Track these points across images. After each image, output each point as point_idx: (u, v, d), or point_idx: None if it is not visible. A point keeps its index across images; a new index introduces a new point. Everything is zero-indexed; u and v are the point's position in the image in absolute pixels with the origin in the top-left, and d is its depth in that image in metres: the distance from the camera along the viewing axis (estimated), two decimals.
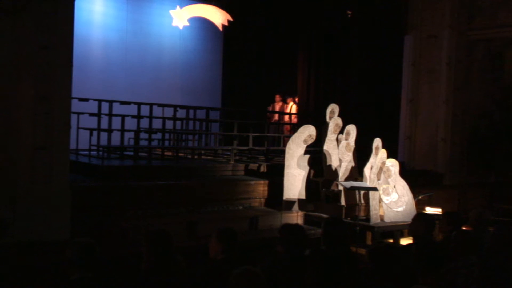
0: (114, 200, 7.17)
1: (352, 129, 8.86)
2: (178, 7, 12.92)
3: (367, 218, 7.97)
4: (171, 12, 12.91)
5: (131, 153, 9.77)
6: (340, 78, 13.58)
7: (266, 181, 8.74)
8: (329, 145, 8.90)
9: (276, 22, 13.94)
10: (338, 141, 8.85)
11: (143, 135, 10.43)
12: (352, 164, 8.73)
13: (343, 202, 8.25)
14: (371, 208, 7.84)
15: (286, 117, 13.70)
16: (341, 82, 13.52)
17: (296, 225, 4.45)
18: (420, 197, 8.59)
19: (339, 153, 8.69)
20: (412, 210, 8.02)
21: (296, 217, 8.16)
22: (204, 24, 13.60)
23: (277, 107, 13.72)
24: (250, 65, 14.43)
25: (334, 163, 8.87)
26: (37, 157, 6.15)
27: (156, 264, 3.72)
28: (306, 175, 8.47)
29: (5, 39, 6.03)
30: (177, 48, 13.69)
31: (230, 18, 13.11)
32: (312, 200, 8.63)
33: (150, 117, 10.48)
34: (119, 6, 12.75)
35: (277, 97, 13.69)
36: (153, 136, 10.64)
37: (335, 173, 8.74)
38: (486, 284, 3.86)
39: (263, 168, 9.67)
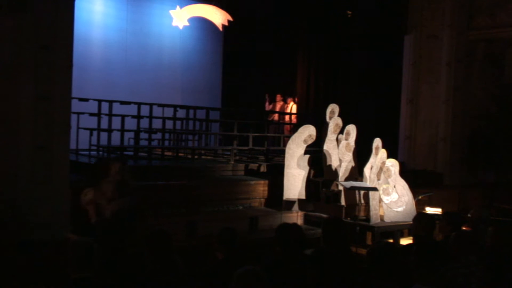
0: None
1: (352, 129, 8.86)
2: (178, 7, 12.91)
3: (367, 218, 7.97)
4: (171, 12, 12.91)
5: (131, 153, 9.77)
6: (340, 78, 13.58)
7: (266, 181, 8.74)
8: (329, 145, 8.90)
9: (276, 22, 13.94)
10: (338, 141, 8.86)
11: (143, 135, 10.43)
12: (352, 164, 8.73)
13: (343, 202, 8.25)
14: (371, 208, 7.84)
15: (286, 117, 13.71)
16: (341, 82, 13.52)
17: (294, 224, 4.45)
18: (420, 197, 8.60)
19: (339, 153, 8.69)
20: (412, 210, 8.02)
21: (296, 217, 8.16)
22: (204, 24, 13.60)
23: (278, 107, 13.72)
24: (250, 65, 14.43)
25: (334, 163, 8.87)
26: (37, 157, 6.14)
27: (156, 264, 3.72)
28: (306, 175, 8.47)
29: (5, 39, 6.03)
30: (177, 48, 13.68)
31: (230, 18, 13.11)
32: (312, 200, 8.63)
33: (150, 117, 10.47)
34: (119, 6, 12.75)
35: (278, 97, 13.70)
36: (153, 136, 10.64)
37: (335, 173, 8.74)
38: (490, 285, 3.86)
39: (263, 168, 9.67)
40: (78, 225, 5.05)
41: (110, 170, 5.38)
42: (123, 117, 9.90)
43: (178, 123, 11.34)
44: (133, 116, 10.11)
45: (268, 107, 14.07)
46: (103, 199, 4.97)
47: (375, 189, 7.86)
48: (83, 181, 6.47)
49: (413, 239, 5.09)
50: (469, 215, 5.46)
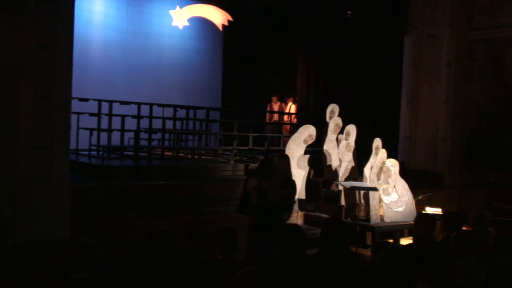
0: (114, 200, 7.16)
1: (352, 129, 8.86)
2: (178, 7, 12.92)
3: (367, 218, 7.96)
4: (171, 12, 12.91)
5: (131, 153, 9.77)
6: (340, 78, 13.58)
7: None
8: (329, 145, 8.90)
9: (276, 22, 13.94)
10: (338, 141, 8.86)
11: (143, 135, 10.43)
12: (352, 164, 8.73)
13: (343, 202, 8.25)
14: (371, 208, 7.83)
15: (286, 117, 13.70)
16: (341, 82, 13.52)
17: (294, 225, 4.44)
18: (420, 197, 8.60)
19: (339, 153, 8.69)
20: (412, 210, 8.02)
21: (296, 217, 8.16)
22: (204, 24, 13.60)
23: (276, 107, 13.70)
24: (249, 65, 14.43)
25: (334, 163, 8.87)
26: (37, 157, 6.15)
27: (154, 264, 3.72)
28: (306, 175, 8.46)
29: (5, 39, 6.03)
30: (177, 48, 13.69)
31: (230, 18, 13.11)
32: (312, 200, 8.63)
33: (150, 117, 10.47)
34: (119, 6, 12.75)
35: (274, 99, 13.67)
36: (153, 136, 10.64)
37: (335, 173, 8.74)
38: (491, 285, 3.85)
39: None
40: (242, 206, 6.15)
41: (275, 165, 6.54)
42: (123, 117, 9.90)
43: (178, 123, 11.34)
44: (133, 116, 10.11)
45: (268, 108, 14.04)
46: (271, 189, 5.92)
47: (375, 189, 7.86)
48: None
49: (413, 239, 5.09)
50: (469, 215, 5.44)
